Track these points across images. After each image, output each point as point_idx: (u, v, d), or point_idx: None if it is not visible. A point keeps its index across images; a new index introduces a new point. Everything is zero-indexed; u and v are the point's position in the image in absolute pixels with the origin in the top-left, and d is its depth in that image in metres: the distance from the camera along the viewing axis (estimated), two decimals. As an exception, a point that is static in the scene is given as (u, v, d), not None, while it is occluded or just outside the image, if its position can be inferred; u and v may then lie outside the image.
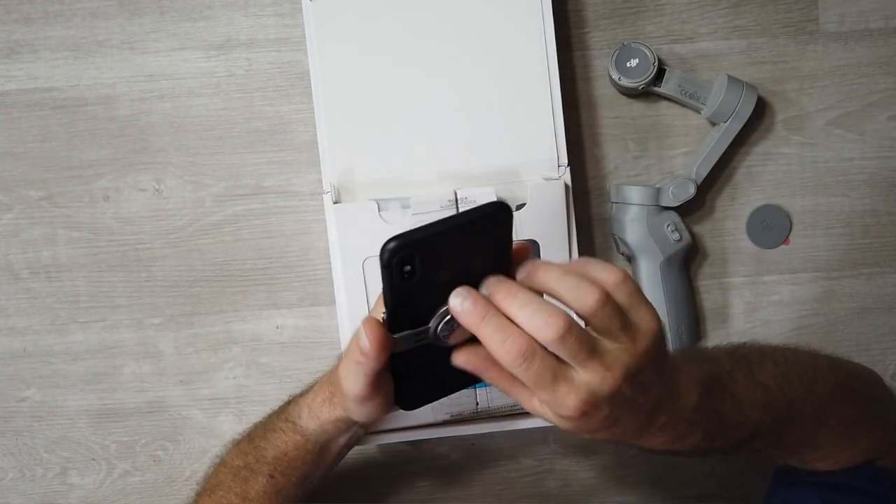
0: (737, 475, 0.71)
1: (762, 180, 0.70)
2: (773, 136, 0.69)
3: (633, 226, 0.66)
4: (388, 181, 0.63)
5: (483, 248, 0.43)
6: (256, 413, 0.69)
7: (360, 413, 0.50)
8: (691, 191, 0.66)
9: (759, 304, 0.70)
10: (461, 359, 0.43)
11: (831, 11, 0.69)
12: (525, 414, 0.58)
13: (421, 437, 0.64)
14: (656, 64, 0.66)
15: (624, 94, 0.69)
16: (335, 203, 0.62)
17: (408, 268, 0.42)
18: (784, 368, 0.51)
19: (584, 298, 0.40)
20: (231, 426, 0.70)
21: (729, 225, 0.70)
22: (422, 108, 0.63)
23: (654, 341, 0.41)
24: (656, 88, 0.67)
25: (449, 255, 0.43)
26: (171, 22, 0.68)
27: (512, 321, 0.40)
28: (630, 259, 0.68)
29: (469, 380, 0.49)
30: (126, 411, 0.70)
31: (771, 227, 0.70)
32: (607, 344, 0.41)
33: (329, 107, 0.63)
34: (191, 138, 0.69)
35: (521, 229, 0.62)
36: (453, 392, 0.50)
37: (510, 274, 0.45)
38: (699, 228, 0.70)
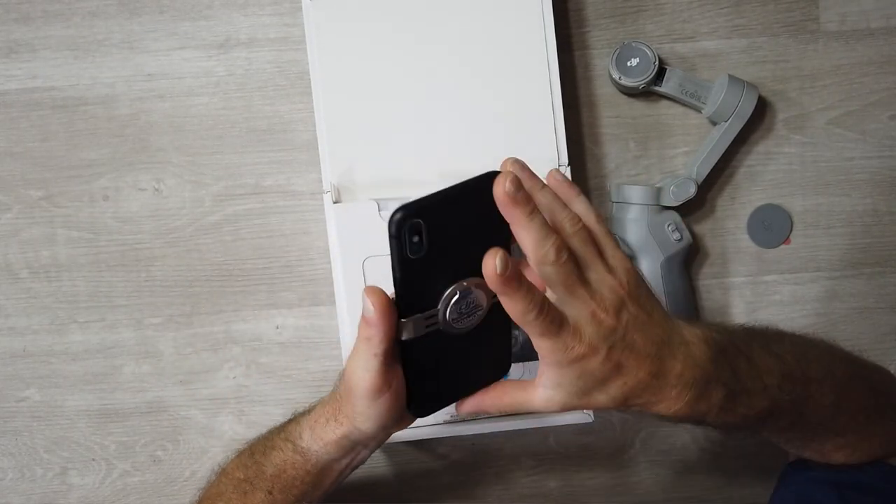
0: (735, 477, 0.71)
1: (763, 180, 0.70)
2: (774, 136, 0.69)
3: (634, 225, 0.66)
4: (388, 181, 0.63)
5: (484, 224, 0.43)
6: (256, 413, 0.70)
7: (368, 417, 0.48)
8: (692, 190, 0.66)
9: (759, 304, 0.70)
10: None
11: (832, 11, 0.69)
12: (525, 414, 0.58)
13: (421, 437, 0.64)
14: (657, 63, 0.66)
15: (624, 93, 0.69)
16: (335, 203, 0.62)
17: (416, 238, 0.42)
18: (801, 348, 0.51)
19: (563, 222, 0.44)
20: (231, 426, 0.70)
21: (730, 224, 0.70)
22: (422, 107, 0.63)
23: (630, 276, 0.45)
24: (657, 88, 0.67)
25: (453, 228, 0.43)
26: (170, 21, 0.68)
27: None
28: (630, 259, 0.68)
29: (486, 379, 0.48)
30: (126, 411, 0.70)
31: (772, 226, 0.70)
32: (591, 273, 0.44)
33: (329, 107, 0.63)
34: (190, 138, 0.69)
35: (522, 229, 0.62)
36: (469, 394, 0.49)
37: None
38: (700, 228, 0.70)
